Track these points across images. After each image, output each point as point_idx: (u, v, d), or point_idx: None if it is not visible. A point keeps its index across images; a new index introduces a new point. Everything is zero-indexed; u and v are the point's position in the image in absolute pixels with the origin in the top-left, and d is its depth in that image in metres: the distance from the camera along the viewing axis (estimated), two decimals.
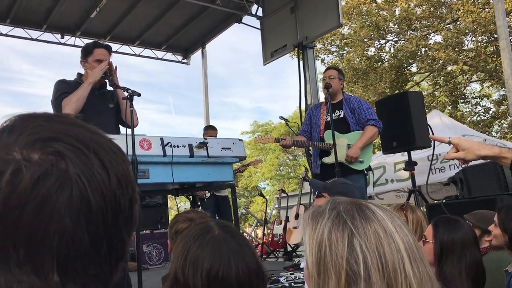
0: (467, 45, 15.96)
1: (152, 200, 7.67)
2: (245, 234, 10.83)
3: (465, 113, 17.89)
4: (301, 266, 4.65)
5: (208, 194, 5.90)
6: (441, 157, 6.78)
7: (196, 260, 1.17)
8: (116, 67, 3.60)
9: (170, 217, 8.66)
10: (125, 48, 9.53)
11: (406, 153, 5.29)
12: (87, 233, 0.53)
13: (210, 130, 6.48)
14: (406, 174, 6.68)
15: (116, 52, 9.19)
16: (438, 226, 2.03)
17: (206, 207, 5.86)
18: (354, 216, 0.85)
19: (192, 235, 1.24)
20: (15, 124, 0.56)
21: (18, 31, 8.39)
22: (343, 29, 16.34)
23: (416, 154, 5.77)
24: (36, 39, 8.61)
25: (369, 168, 4.56)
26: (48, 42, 8.74)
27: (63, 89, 3.52)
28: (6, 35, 8.30)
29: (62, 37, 8.72)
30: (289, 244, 7.10)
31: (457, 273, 1.89)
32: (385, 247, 0.81)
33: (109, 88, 3.66)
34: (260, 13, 8.61)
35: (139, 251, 3.53)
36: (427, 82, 18.76)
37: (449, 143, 1.70)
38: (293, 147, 4.84)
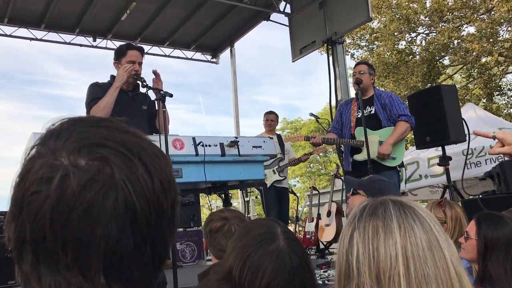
0: (502, 36, 15.48)
1: (184, 198, 7.76)
2: None
3: (501, 106, 17.37)
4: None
5: (268, 185, 5.83)
6: (477, 152, 6.61)
7: (258, 269, 1.14)
8: (158, 74, 3.64)
9: (202, 215, 8.74)
10: (155, 49, 9.66)
11: (440, 148, 5.19)
12: (132, 237, 0.54)
13: (268, 114, 6.40)
14: (440, 169, 6.55)
15: (147, 53, 9.29)
16: (481, 222, 1.97)
17: (269, 198, 5.81)
18: (368, 213, 0.89)
19: (255, 239, 1.21)
20: (62, 128, 0.58)
21: (52, 36, 8.62)
22: (372, 23, 16.09)
23: (451, 149, 5.65)
24: (69, 43, 8.83)
25: (402, 165, 4.48)
26: (81, 45, 8.94)
27: (95, 93, 3.57)
28: (41, 39, 8.53)
29: (94, 40, 8.90)
30: (321, 242, 7.06)
31: (502, 272, 1.83)
32: (380, 243, 0.82)
33: (142, 90, 3.72)
34: (288, 9, 8.57)
35: (174, 249, 3.57)
36: (460, 75, 18.31)
37: (494, 137, 1.64)
38: (323, 144, 4.80)
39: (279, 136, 6.19)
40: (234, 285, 1.16)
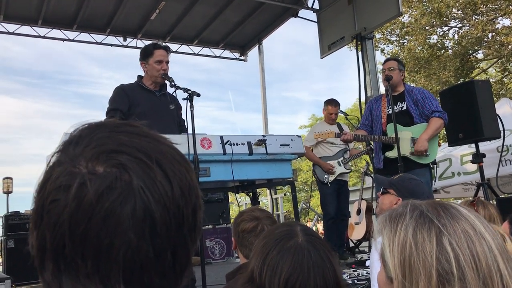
0: None
1: (213, 196, 7.81)
2: None
3: None
4: (367, 264, 4.56)
5: (332, 178, 5.74)
6: None
7: (276, 266, 1.14)
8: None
9: (231, 212, 8.79)
10: (184, 48, 9.74)
11: (473, 145, 5.06)
12: (151, 245, 0.53)
13: (329, 105, 6.01)
14: (473, 166, 6.38)
15: (176, 52, 9.42)
16: None
17: (327, 191, 5.74)
18: (439, 215, 0.82)
19: (274, 237, 1.21)
20: (82, 134, 0.58)
21: (84, 36, 8.80)
22: (403, 18, 15.79)
23: (484, 146, 5.49)
24: (100, 43, 8.99)
25: (434, 162, 4.38)
26: (111, 45, 9.09)
27: (114, 103, 3.60)
28: (73, 40, 8.72)
29: (125, 40, 9.04)
30: (351, 240, 6.99)
31: None
32: (477, 246, 0.77)
33: (169, 89, 3.75)
34: (316, 5, 8.50)
35: (202, 246, 3.60)
36: (494, 69, 17.80)
37: None
38: (354, 141, 4.74)
39: (339, 125, 5.99)
40: (256, 286, 1.15)
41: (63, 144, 0.58)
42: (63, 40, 8.64)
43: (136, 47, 9.03)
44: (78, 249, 0.52)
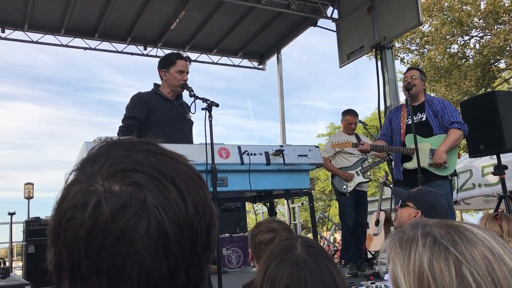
0: None
1: (231, 204, 7.81)
2: (322, 239, 10.70)
3: None
4: (385, 278, 4.50)
5: (350, 188, 5.69)
6: None
7: (274, 278, 1.16)
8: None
9: (248, 220, 8.78)
10: (204, 57, 9.82)
11: (494, 156, 4.98)
12: (165, 263, 0.54)
13: (348, 115, 5.95)
14: (495, 178, 6.26)
15: (195, 61, 9.49)
16: None
17: (346, 202, 5.70)
18: (455, 241, 0.77)
19: (275, 251, 1.24)
20: (99, 152, 0.59)
21: (105, 45, 8.94)
22: (423, 27, 15.67)
23: (506, 157, 5.39)
24: (121, 52, 9.12)
25: (454, 173, 4.32)
26: (132, 54, 9.21)
27: (131, 111, 3.60)
28: (95, 49, 8.87)
29: (145, 49, 9.15)
30: (369, 251, 6.91)
31: None
32: (497, 272, 0.73)
33: (185, 99, 3.77)
34: (335, 15, 8.50)
35: (219, 255, 3.59)
36: None
37: None
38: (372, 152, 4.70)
39: (357, 136, 5.96)
40: None
41: (81, 162, 0.60)
42: (85, 48, 8.79)
43: (156, 56, 9.13)
44: (93, 267, 0.53)
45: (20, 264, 7.90)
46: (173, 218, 0.55)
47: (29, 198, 8.06)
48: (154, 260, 0.53)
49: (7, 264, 6.78)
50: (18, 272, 7.99)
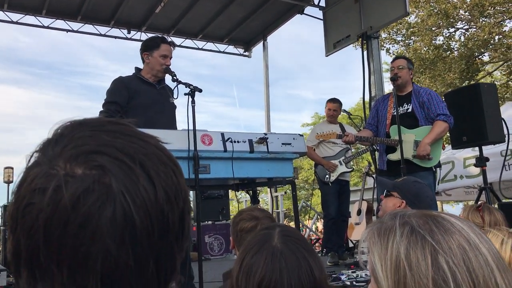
0: None
1: (214, 192, 7.79)
2: (304, 228, 10.75)
3: None
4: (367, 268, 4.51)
5: (333, 178, 5.69)
6: None
7: (250, 269, 1.14)
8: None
9: (232, 208, 8.78)
10: (189, 42, 9.69)
11: (476, 148, 5.01)
12: (132, 253, 0.50)
13: (329, 102, 5.99)
14: (476, 170, 6.32)
15: (180, 46, 9.38)
16: None
17: (329, 191, 5.69)
18: (432, 230, 0.77)
19: (252, 242, 1.22)
20: (63, 133, 0.54)
21: (88, 28, 8.75)
22: (409, 18, 15.71)
23: (488, 149, 5.45)
24: (104, 35, 8.94)
25: (439, 165, 4.33)
26: (115, 37, 9.04)
27: (112, 95, 3.54)
28: (77, 31, 8.68)
29: (129, 32, 9.00)
30: (351, 240, 6.96)
31: None
32: (473, 261, 0.73)
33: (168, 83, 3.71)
34: (322, 3, 8.44)
35: (200, 242, 3.56)
36: (500, 72, 17.71)
37: None
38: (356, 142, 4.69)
39: (341, 126, 5.96)
40: None
41: (43, 143, 0.54)
42: (67, 31, 8.59)
43: (140, 40, 8.96)
44: (54, 257, 0.48)
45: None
46: (140, 204, 0.50)
47: (8, 182, 7.93)
48: (120, 250, 0.49)
49: None
50: None
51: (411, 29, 16.27)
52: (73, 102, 52.93)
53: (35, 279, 0.50)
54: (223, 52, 10.25)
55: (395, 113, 4.24)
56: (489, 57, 16.62)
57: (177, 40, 9.10)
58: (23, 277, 0.51)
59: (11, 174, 8.10)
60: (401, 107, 4.32)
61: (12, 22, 8.12)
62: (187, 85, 3.32)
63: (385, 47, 16.43)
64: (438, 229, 0.77)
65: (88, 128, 0.54)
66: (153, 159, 0.54)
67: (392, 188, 2.50)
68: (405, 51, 16.52)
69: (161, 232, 0.52)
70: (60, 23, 8.47)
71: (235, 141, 3.38)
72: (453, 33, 16.40)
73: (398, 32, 16.63)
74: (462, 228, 0.77)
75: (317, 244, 8.57)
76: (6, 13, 7.97)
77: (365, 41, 7.41)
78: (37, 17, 8.24)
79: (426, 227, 0.78)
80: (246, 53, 10.34)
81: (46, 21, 8.35)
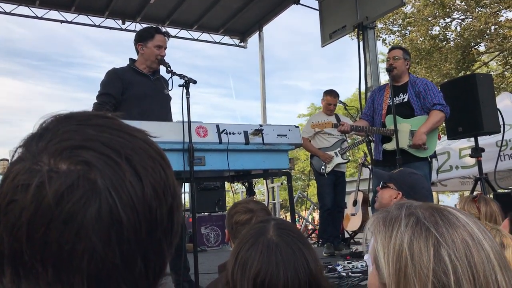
0: None
1: (210, 183, 7.79)
2: (300, 219, 10.78)
3: None
4: (364, 259, 4.52)
5: (329, 169, 5.68)
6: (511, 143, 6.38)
7: (245, 263, 1.14)
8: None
9: (228, 199, 8.77)
10: (184, 33, 9.62)
11: (472, 139, 5.02)
12: (118, 250, 0.49)
13: (328, 95, 5.94)
14: (472, 160, 6.36)
15: (175, 36, 9.31)
16: None
17: (324, 182, 5.70)
18: (437, 223, 0.77)
19: (247, 235, 1.22)
20: (48, 127, 0.53)
21: (83, 18, 8.66)
22: (405, 8, 15.64)
23: (484, 140, 5.46)
24: (99, 26, 8.86)
25: (434, 155, 4.33)
26: (110, 28, 8.96)
27: (106, 87, 3.52)
28: (71, 22, 8.59)
29: (123, 23, 8.91)
30: (346, 231, 6.98)
31: None
32: (475, 256, 0.74)
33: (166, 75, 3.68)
34: None
35: (195, 233, 3.57)
36: (496, 62, 17.69)
37: None
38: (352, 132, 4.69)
39: (337, 116, 5.94)
40: (231, 285, 1.16)
41: (27, 138, 0.53)
42: (61, 21, 8.50)
43: (134, 31, 8.85)
44: (38, 255, 0.47)
45: None
46: (127, 201, 0.49)
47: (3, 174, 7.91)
48: (106, 248, 0.48)
49: None
50: None
51: (407, 19, 16.21)
52: (69, 93, 52.84)
53: (19, 277, 0.49)
54: (219, 43, 10.19)
55: (391, 103, 4.24)
56: (485, 47, 16.60)
57: (172, 31, 9.05)
58: (7, 276, 0.50)
59: (7, 166, 8.07)
60: (397, 97, 4.31)
61: (5, 13, 8.03)
62: (181, 76, 3.29)
63: (381, 37, 16.38)
64: (443, 222, 0.78)
65: (74, 122, 0.53)
66: (140, 153, 0.52)
67: (388, 180, 2.51)
68: (401, 42, 16.48)
69: (149, 229, 0.51)
70: (54, 14, 8.39)
71: (230, 133, 3.37)
72: (449, 23, 16.37)
73: (394, 22, 16.57)
74: (467, 223, 0.78)
75: (313, 235, 8.60)
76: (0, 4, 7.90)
77: (361, 32, 7.37)
78: (30, 8, 8.15)
79: (432, 219, 0.78)
80: (242, 44, 10.28)
81: (40, 12, 8.26)
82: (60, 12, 8.40)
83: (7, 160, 8.15)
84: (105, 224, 0.48)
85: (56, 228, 0.47)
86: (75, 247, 0.47)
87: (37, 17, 8.31)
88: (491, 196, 4.78)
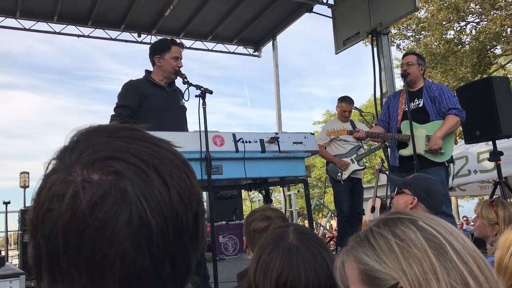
0: None
1: (226, 192, 7.81)
2: (318, 226, 10.73)
3: None
4: None
5: (345, 176, 5.68)
6: None
7: (267, 266, 1.17)
8: None
9: (245, 207, 8.78)
10: (198, 44, 9.72)
11: (490, 142, 4.97)
12: (148, 255, 0.52)
13: (343, 102, 5.96)
14: (491, 164, 6.28)
15: (190, 48, 9.41)
16: None
17: (341, 189, 5.70)
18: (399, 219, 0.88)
19: (268, 239, 1.25)
20: (79, 140, 0.56)
21: (99, 32, 8.83)
22: (419, 13, 15.57)
23: (502, 143, 5.40)
24: (115, 39, 9.01)
25: (451, 160, 4.30)
26: (126, 41, 9.11)
27: (123, 99, 3.57)
28: (88, 36, 8.76)
29: (139, 36, 9.05)
30: None
31: None
32: (445, 226, 0.83)
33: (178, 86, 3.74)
34: (331, 1, 8.41)
35: (214, 242, 3.59)
36: None
37: None
38: (367, 139, 4.68)
39: (352, 123, 5.95)
40: None
41: (60, 150, 0.57)
42: (78, 36, 8.68)
43: (150, 43, 8.99)
44: (73, 261, 0.51)
45: (17, 253, 7.90)
46: (156, 207, 0.52)
47: (24, 187, 8.04)
48: (136, 252, 0.51)
49: (3, 253, 6.76)
50: (15, 261, 7.99)
51: (421, 24, 16.12)
52: (86, 106, 53.53)
53: (56, 282, 0.52)
54: (233, 53, 10.26)
55: (406, 109, 4.23)
56: (502, 50, 16.42)
57: (187, 42, 9.15)
58: (45, 280, 0.53)
59: (27, 179, 8.21)
60: (412, 103, 4.30)
61: (25, 29, 8.24)
62: (197, 87, 3.34)
63: (395, 43, 16.31)
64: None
65: (103, 135, 0.56)
66: (166, 163, 0.56)
67: (403, 186, 2.51)
68: (415, 47, 16.39)
69: (176, 233, 0.54)
70: (71, 29, 8.56)
71: (246, 141, 3.40)
72: (464, 26, 16.23)
73: (408, 27, 16.49)
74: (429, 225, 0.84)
75: (331, 242, 8.55)
76: (19, 20, 8.09)
77: (374, 38, 7.37)
78: (49, 24, 8.34)
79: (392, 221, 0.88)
80: (256, 53, 10.34)
81: (58, 27, 8.44)
82: (77, 27, 8.58)
83: (27, 173, 8.28)
84: (135, 230, 0.51)
85: (90, 235, 0.50)
86: (108, 252, 0.50)
87: (55, 32, 8.48)
88: (511, 200, 4.73)
